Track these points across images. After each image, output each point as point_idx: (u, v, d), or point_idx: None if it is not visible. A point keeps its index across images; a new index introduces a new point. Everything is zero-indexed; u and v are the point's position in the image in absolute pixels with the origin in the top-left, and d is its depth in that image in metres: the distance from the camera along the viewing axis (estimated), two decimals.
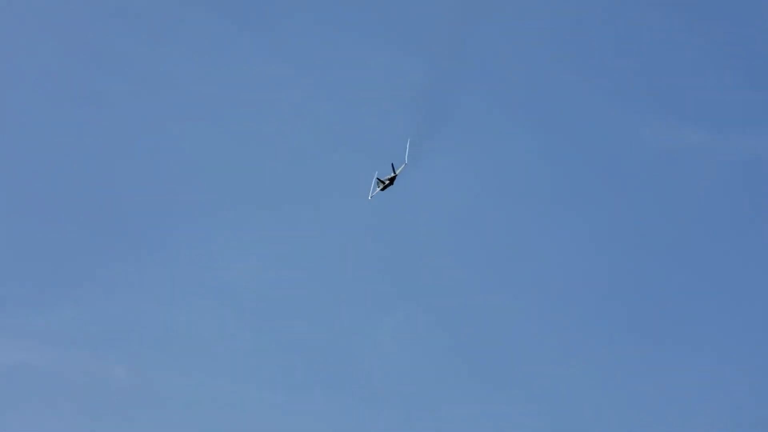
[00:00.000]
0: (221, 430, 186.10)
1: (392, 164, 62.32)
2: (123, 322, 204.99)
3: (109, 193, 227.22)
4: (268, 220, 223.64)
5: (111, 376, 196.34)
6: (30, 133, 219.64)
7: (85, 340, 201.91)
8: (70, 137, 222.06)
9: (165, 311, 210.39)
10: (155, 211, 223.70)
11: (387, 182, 66.04)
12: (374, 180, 65.03)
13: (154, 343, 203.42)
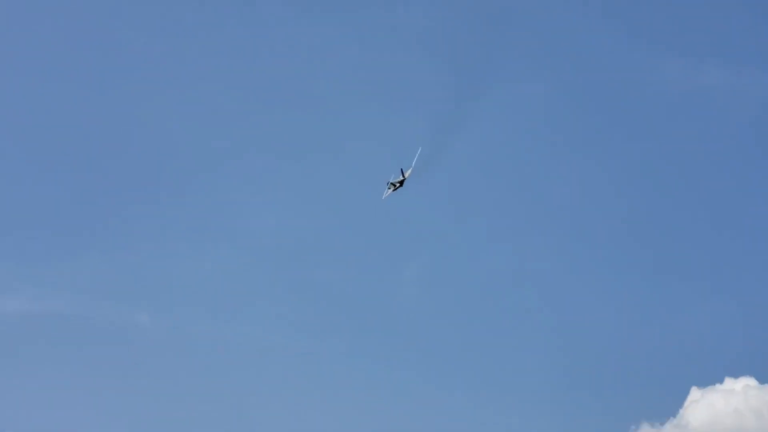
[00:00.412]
0: (244, 374, 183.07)
1: (401, 169, 69.89)
2: (147, 271, 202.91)
3: (132, 144, 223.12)
4: (289, 169, 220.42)
5: (135, 323, 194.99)
6: (52, 83, 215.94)
7: (109, 289, 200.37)
8: (93, 87, 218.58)
9: (188, 259, 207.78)
10: (177, 160, 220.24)
11: (398, 185, 74.74)
12: (387, 184, 73.45)
13: (178, 291, 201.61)
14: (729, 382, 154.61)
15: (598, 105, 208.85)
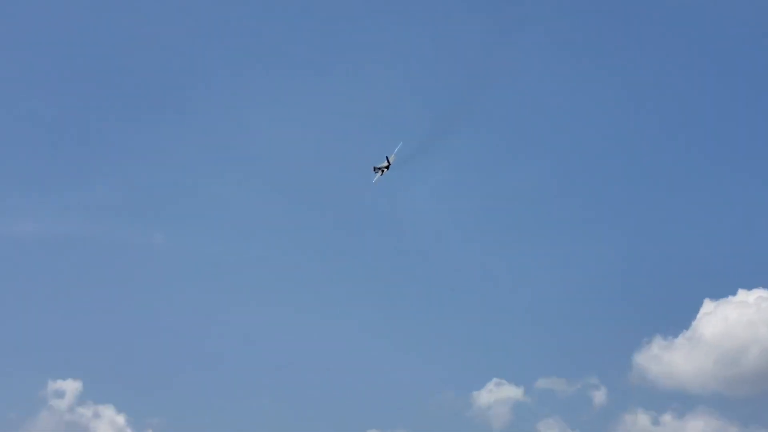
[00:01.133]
0: (256, 293, 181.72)
1: (387, 156, 76.32)
2: (161, 191, 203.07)
3: (146, 63, 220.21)
4: (299, 85, 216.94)
5: (150, 244, 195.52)
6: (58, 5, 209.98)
7: (124, 210, 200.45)
8: (107, 4, 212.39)
9: (202, 178, 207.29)
10: (188, 79, 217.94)
11: (384, 169, 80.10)
12: (374, 169, 77.93)
13: (192, 210, 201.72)
14: (742, 294, 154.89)
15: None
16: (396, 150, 71.58)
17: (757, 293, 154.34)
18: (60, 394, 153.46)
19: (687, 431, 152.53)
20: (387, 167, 75.09)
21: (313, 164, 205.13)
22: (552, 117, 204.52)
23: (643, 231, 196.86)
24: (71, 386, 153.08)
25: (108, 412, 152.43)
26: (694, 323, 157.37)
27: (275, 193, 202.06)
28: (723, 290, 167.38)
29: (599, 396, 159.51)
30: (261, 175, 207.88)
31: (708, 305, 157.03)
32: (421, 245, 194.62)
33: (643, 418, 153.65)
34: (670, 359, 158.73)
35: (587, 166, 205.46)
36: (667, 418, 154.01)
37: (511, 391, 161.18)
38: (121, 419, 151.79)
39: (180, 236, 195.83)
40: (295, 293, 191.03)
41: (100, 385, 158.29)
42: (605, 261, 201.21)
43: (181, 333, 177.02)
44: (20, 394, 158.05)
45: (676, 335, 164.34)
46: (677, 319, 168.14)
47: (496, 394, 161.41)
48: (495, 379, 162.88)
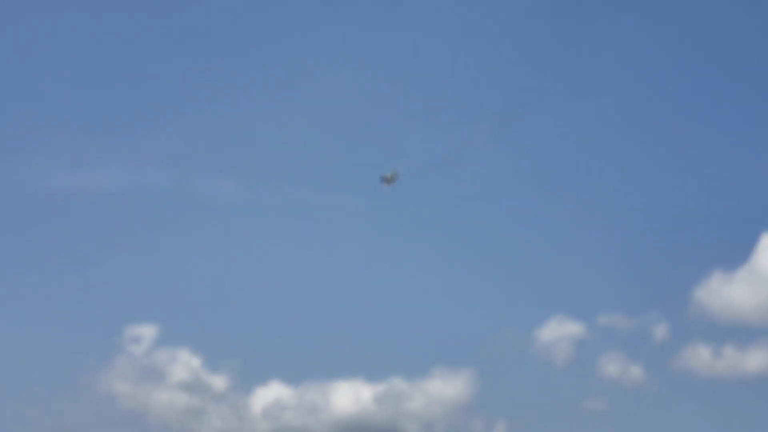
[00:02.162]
0: (326, 239, 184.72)
1: (391, 171, 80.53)
2: (229, 141, 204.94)
3: (209, 15, 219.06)
4: (361, 34, 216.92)
5: (220, 193, 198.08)
6: None
7: (193, 161, 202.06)
8: None
9: (268, 128, 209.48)
10: (255, 30, 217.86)
11: (390, 178, 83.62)
12: (381, 177, 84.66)
13: (259, 159, 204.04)
14: None
15: None
16: (398, 167, 77.15)
17: None
18: (136, 339, 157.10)
19: (748, 363, 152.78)
20: (393, 178, 78.56)
21: (382, 107, 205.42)
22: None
23: (701, 165, 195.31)
24: (147, 331, 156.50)
25: (184, 355, 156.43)
26: (753, 257, 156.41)
27: (343, 140, 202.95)
28: None
29: (660, 330, 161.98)
30: (329, 122, 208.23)
31: (767, 239, 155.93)
32: (480, 185, 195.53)
33: (703, 351, 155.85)
34: (730, 293, 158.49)
35: (652, 100, 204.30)
36: (727, 350, 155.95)
37: (572, 327, 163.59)
38: (196, 362, 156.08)
39: (250, 184, 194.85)
40: (362, 238, 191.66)
41: (175, 330, 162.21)
42: (664, 196, 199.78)
43: (254, 278, 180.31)
44: (98, 340, 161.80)
45: (735, 269, 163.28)
46: (736, 253, 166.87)
47: (558, 331, 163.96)
48: (556, 316, 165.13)
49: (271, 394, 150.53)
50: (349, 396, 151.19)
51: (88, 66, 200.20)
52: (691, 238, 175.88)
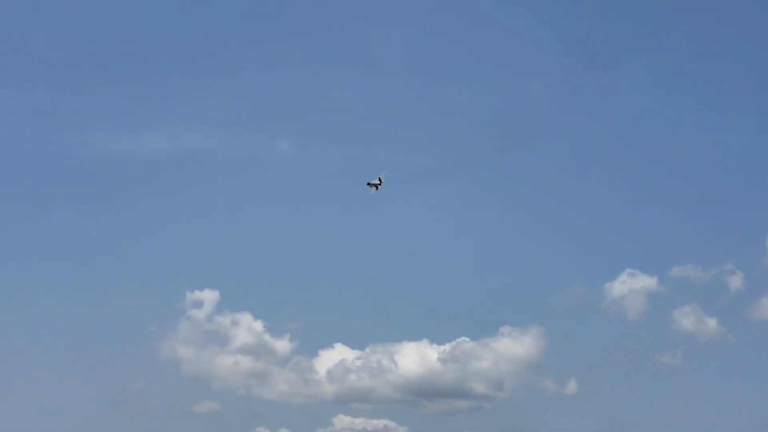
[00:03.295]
0: (386, 196, 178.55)
1: (379, 177, 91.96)
2: (283, 101, 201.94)
3: None
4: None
5: (276, 152, 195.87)
6: None
7: (248, 121, 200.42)
8: None
9: (321, 87, 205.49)
10: None
11: (377, 185, 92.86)
12: (367, 184, 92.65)
13: (313, 118, 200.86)
14: None
15: None
16: (385, 173, 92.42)
17: None
18: (198, 305, 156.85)
19: None
20: (379, 184, 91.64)
21: (435, 65, 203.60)
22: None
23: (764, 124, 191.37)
24: (209, 296, 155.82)
25: (245, 319, 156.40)
26: None
27: (400, 98, 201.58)
28: None
29: (735, 281, 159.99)
30: (384, 81, 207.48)
31: None
32: (547, 141, 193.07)
33: None
34: None
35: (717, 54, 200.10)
36: None
37: (645, 281, 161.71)
38: (258, 325, 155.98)
39: (305, 143, 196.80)
40: (422, 196, 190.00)
41: (236, 294, 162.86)
42: (737, 145, 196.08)
43: (313, 239, 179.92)
44: (160, 306, 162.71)
45: None
46: None
47: (630, 285, 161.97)
48: (628, 270, 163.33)
49: (335, 356, 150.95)
50: (415, 357, 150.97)
51: (146, 34, 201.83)
52: (765, 189, 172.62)
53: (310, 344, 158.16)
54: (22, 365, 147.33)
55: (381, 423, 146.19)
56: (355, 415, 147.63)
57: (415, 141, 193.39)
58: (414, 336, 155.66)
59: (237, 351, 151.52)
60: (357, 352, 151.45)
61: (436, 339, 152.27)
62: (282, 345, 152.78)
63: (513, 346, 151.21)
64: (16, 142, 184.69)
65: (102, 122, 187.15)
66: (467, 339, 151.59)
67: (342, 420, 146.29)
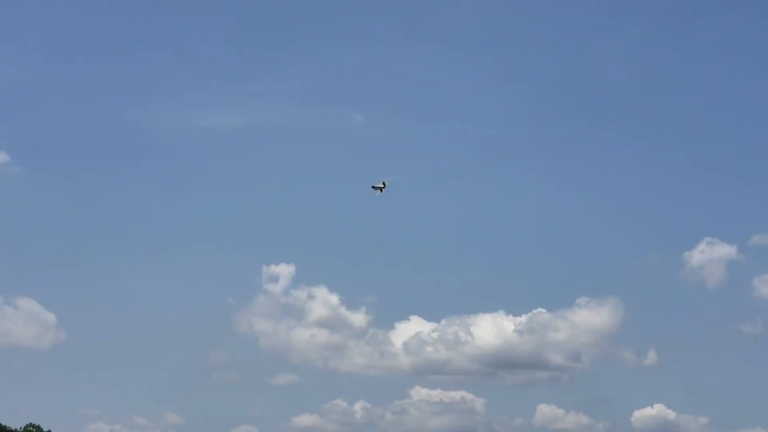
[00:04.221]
0: (456, 167, 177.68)
1: (383, 181, 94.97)
2: (355, 74, 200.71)
3: None
4: None
5: (349, 126, 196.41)
6: None
7: (321, 95, 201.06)
8: None
9: (395, 59, 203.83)
10: None
11: (381, 188, 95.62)
12: (372, 187, 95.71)
13: (387, 91, 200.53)
14: None
15: None
16: (392, 177, 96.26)
17: None
18: (274, 279, 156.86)
19: None
20: (383, 187, 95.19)
21: (508, 31, 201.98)
22: None
23: None
24: (285, 270, 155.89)
25: (321, 292, 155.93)
26: None
27: (474, 71, 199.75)
28: None
29: None
30: (458, 53, 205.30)
31: None
32: (624, 110, 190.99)
33: None
34: None
35: None
36: None
37: (724, 250, 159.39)
38: (334, 299, 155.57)
39: (379, 116, 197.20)
40: (495, 166, 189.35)
41: (312, 268, 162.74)
42: None
43: (388, 211, 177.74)
44: (237, 281, 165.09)
45: None
46: None
47: (709, 254, 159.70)
48: (706, 238, 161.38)
49: (411, 329, 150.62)
50: (491, 329, 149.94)
51: (220, 9, 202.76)
52: None
53: (386, 317, 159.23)
54: (106, 338, 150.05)
55: (458, 394, 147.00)
56: (432, 387, 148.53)
57: (490, 114, 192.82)
58: (490, 307, 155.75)
59: (313, 324, 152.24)
60: (433, 324, 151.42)
61: (512, 310, 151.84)
62: (358, 318, 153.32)
63: (590, 317, 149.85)
64: (91, 119, 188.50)
65: (177, 98, 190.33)
66: (543, 310, 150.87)
67: (419, 392, 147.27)
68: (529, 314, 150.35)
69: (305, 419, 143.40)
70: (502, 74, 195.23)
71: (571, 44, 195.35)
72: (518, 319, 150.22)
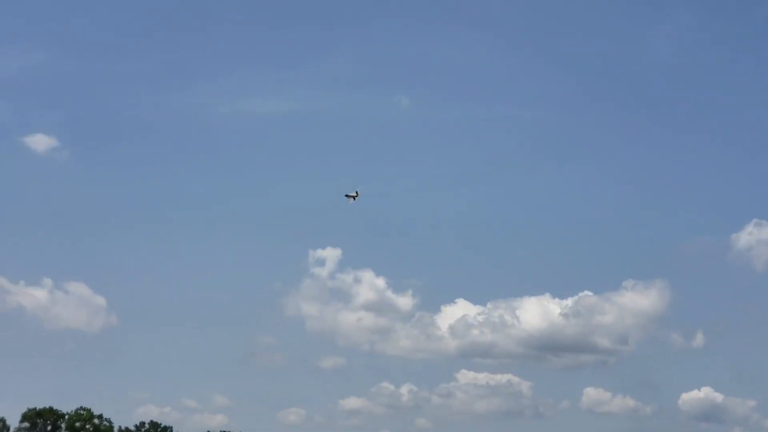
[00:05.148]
0: (500, 152, 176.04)
1: (356, 190, 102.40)
2: (402, 58, 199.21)
3: None
4: None
5: (395, 110, 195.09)
6: None
7: (366, 79, 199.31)
8: None
9: (440, 43, 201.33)
10: None
11: (354, 196, 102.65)
12: (345, 195, 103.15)
13: (433, 75, 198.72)
14: None
15: None
16: (362, 188, 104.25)
17: None
18: (321, 262, 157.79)
19: None
20: (356, 196, 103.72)
21: (552, 16, 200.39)
22: None
23: None
24: (331, 254, 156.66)
25: (368, 276, 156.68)
26: None
27: (519, 54, 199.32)
28: None
29: None
30: (503, 37, 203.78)
31: None
32: (671, 92, 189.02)
33: None
34: None
35: None
36: None
37: None
38: (381, 282, 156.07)
39: (425, 100, 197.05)
40: (541, 150, 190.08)
41: (358, 252, 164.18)
42: None
43: (434, 194, 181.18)
44: (284, 265, 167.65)
45: None
46: None
47: (756, 235, 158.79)
48: (755, 220, 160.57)
49: (457, 312, 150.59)
50: (537, 312, 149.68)
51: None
52: None
53: (432, 300, 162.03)
54: (155, 321, 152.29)
55: (504, 377, 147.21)
56: (478, 370, 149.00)
57: (536, 97, 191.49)
58: (535, 291, 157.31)
59: (360, 307, 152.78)
60: (479, 308, 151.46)
61: (558, 293, 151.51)
62: (404, 301, 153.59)
63: (637, 300, 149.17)
64: (139, 104, 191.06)
65: (223, 83, 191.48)
66: (590, 293, 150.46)
67: (465, 375, 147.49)
68: (576, 297, 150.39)
69: (352, 402, 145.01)
70: (549, 57, 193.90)
71: (618, 27, 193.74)
72: (564, 302, 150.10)
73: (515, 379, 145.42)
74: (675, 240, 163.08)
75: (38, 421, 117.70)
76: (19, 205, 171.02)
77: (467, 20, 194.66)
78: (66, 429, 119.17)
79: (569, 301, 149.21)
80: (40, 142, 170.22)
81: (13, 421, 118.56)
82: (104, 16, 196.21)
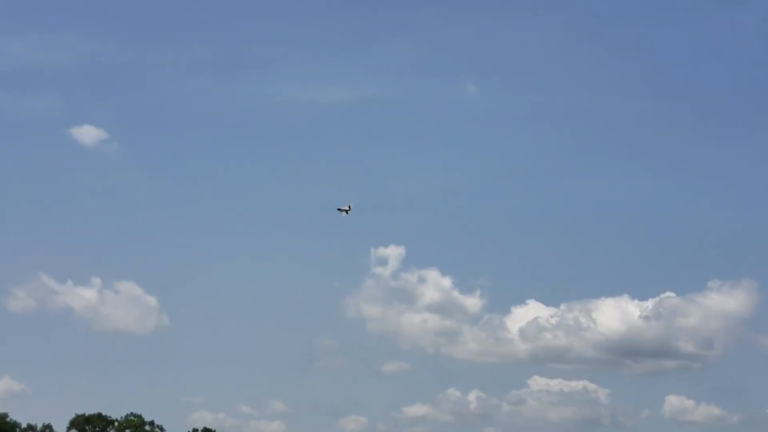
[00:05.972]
0: (575, 142, 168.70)
1: (349, 204, 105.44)
2: (468, 44, 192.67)
3: None
4: None
5: (462, 98, 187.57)
6: None
7: (434, 65, 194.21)
8: None
9: (508, 30, 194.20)
10: None
11: (346, 210, 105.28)
12: (338, 209, 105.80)
13: (501, 62, 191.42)
14: None
15: None
16: (354, 202, 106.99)
17: None
18: (383, 261, 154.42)
19: None
20: (348, 210, 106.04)
21: (624, 12, 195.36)
22: None
23: None
24: (394, 252, 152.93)
25: (433, 275, 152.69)
26: None
27: (589, 42, 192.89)
28: None
29: None
30: (572, 24, 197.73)
31: None
32: (755, 84, 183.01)
33: None
34: None
35: None
36: None
37: None
38: (446, 282, 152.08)
39: (493, 87, 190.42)
40: (618, 140, 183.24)
41: (422, 250, 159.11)
42: None
43: (503, 187, 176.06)
44: (344, 264, 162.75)
45: None
46: None
47: None
48: None
49: (529, 313, 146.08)
50: (615, 314, 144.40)
51: None
52: None
53: (502, 301, 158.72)
54: (209, 322, 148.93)
55: (580, 384, 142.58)
56: (551, 376, 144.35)
57: (605, 85, 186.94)
58: (613, 291, 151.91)
59: (425, 309, 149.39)
60: (552, 309, 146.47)
61: (638, 294, 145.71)
62: (472, 302, 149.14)
63: (723, 301, 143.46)
64: (192, 95, 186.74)
65: (285, 72, 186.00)
66: (672, 294, 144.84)
67: (537, 381, 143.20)
68: (657, 299, 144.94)
69: (416, 409, 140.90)
70: (616, 47, 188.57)
71: (698, 15, 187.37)
72: (644, 303, 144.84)
73: (591, 386, 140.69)
74: (763, 237, 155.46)
75: (87, 427, 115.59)
76: (65, 200, 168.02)
77: (537, 6, 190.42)
78: None
79: (650, 303, 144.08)
80: (88, 134, 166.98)
81: (61, 428, 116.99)
82: (156, 3, 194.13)
